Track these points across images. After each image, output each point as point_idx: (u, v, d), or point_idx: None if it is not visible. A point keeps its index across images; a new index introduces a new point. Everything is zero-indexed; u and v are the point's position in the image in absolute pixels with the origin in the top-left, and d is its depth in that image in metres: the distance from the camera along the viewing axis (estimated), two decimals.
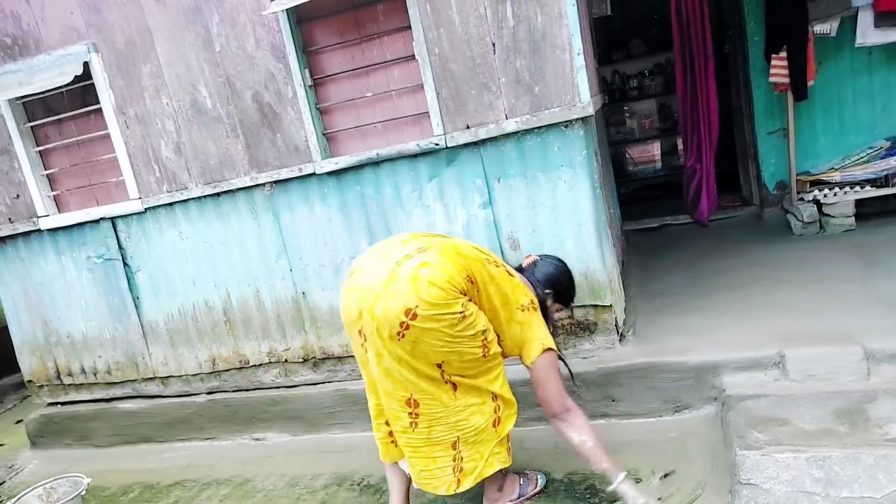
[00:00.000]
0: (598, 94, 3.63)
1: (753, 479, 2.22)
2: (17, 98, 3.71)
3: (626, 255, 4.40)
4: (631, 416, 3.02)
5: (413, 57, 3.10)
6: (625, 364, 3.01)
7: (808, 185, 4.46)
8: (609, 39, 7.13)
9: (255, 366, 3.77)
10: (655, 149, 8.02)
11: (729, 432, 2.52)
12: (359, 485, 3.07)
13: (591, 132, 3.09)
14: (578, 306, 3.13)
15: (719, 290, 3.61)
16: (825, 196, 4.28)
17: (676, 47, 4.68)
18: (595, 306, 3.12)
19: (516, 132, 3.00)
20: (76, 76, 3.46)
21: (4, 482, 4.08)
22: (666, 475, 2.59)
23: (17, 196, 3.89)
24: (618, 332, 3.15)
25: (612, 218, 3.82)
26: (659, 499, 2.45)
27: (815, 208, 4.28)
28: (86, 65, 3.49)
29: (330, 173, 3.31)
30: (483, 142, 3.06)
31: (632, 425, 2.99)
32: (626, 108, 7.57)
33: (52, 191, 3.90)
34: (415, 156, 3.17)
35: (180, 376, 3.94)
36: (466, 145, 3.09)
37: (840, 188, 4.28)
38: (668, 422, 2.94)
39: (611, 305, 3.10)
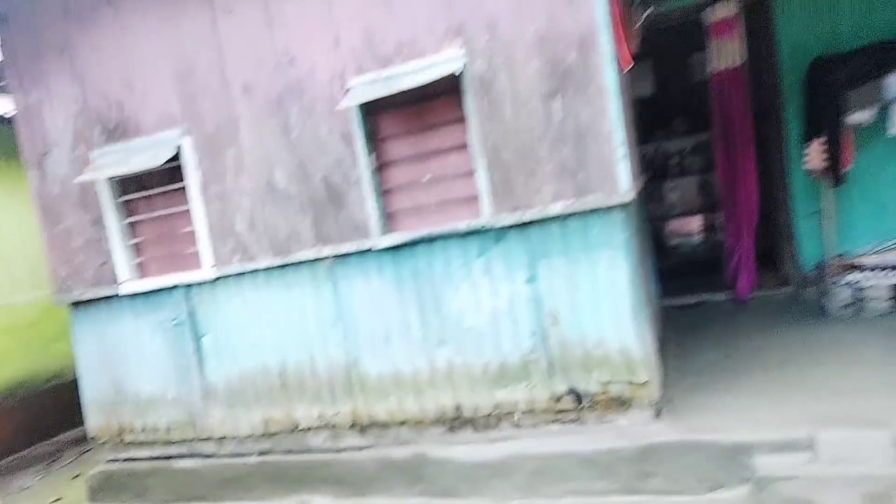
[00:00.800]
0: (638, 176, 3.81)
1: None
2: (114, 176, 4.11)
3: (664, 332, 4.50)
4: (666, 494, 3.05)
5: (466, 145, 3.40)
6: (660, 441, 3.08)
7: (844, 268, 4.54)
8: (652, 117, 7.38)
9: (305, 429, 3.94)
10: (695, 224, 8.14)
11: None
12: None
13: (631, 216, 3.30)
14: (614, 382, 3.26)
15: (754, 370, 3.68)
16: (861, 279, 4.35)
17: (716, 133, 4.90)
18: (631, 383, 3.24)
19: (560, 215, 3.24)
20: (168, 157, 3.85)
21: None
22: None
23: (104, 263, 4.25)
24: (653, 409, 3.25)
25: (650, 295, 3.95)
26: None
27: (852, 291, 4.35)
28: (177, 147, 3.90)
29: (386, 248, 3.59)
30: (529, 223, 3.31)
31: (667, 503, 3.02)
32: (667, 184, 7.77)
33: (136, 258, 4.25)
34: (465, 234, 3.42)
35: (235, 437, 4.12)
36: (513, 226, 3.34)
37: (877, 272, 4.35)
38: (703, 501, 2.96)
39: (646, 382, 3.22)
